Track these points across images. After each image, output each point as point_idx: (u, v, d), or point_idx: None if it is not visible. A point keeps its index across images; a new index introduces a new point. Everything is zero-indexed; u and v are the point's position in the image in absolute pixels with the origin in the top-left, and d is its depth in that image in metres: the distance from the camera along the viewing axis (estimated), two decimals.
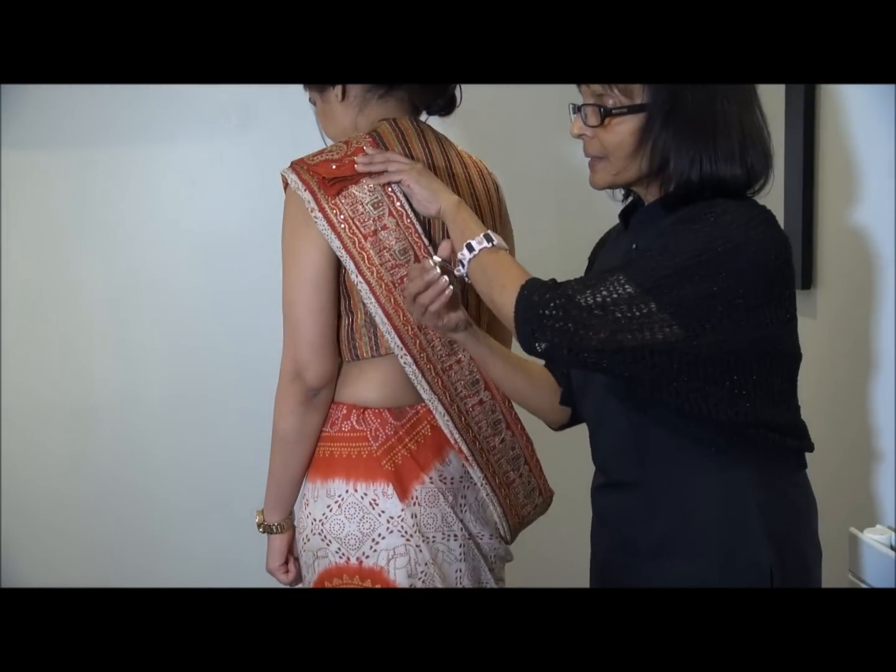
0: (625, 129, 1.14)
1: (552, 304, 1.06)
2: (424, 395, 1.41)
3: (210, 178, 2.13)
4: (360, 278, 1.38)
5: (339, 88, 1.45)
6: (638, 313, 1.04)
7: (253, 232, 2.03)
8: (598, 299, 1.05)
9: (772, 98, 1.31)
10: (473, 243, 1.21)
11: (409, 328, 1.40)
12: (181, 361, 2.16)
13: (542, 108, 1.78)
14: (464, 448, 1.43)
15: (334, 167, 1.39)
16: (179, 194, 2.13)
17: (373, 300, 1.38)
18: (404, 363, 1.40)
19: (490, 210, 1.51)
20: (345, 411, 1.44)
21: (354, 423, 1.43)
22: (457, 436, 1.42)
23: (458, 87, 1.51)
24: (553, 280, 1.10)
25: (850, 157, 1.53)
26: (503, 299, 1.13)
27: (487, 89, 1.54)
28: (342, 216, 1.37)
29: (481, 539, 1.46)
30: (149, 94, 2.00)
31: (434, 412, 1.42)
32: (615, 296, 1.05)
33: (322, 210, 1.37)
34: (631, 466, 1.20)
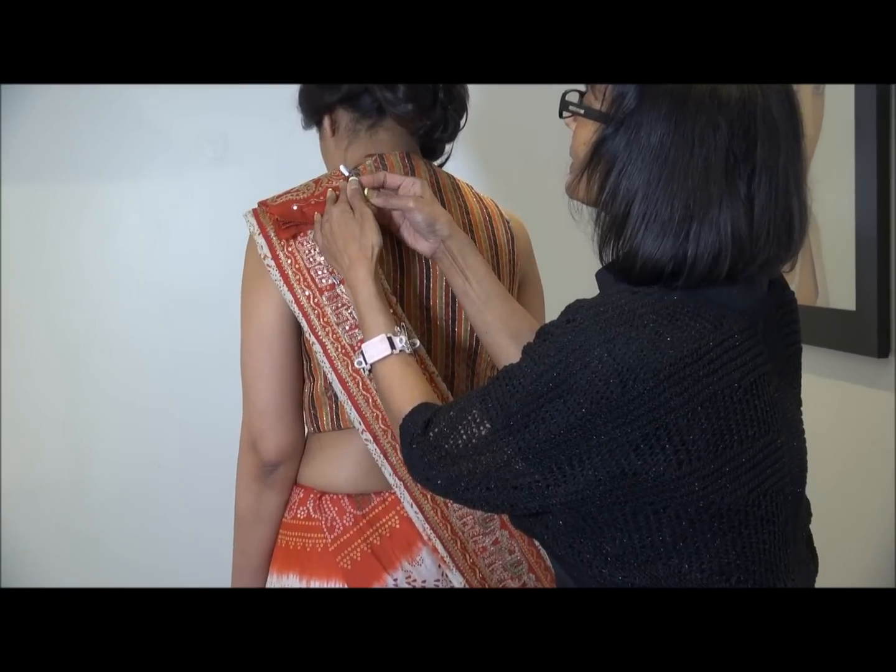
0: (583, 134, 1.20)
1: (423, 458, 1.21)
2: (389, 480, 1.46)
3: (179, 219, 2.23)
4: (313, 338, 1.45)
5: (328, 121, 1.56)
6: (500, 461, 1.14)
7: (227, 283, 1.95)
8: (460, 444, 1.17)
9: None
10: (366, 353, 1.35)
11: (371, 398, 1.45)
12: (142, 432, 2.26)
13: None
14: (439, 547, 1.46)
15: (295, 208, 1.48)
16: (143, 238, 2.24)
17: (327, 364, 1.45)
18: (365, 440, 1.45)
19: (506, 261, 1.59)
20: (301, 495, 1.52)
21: (311, 509, 1.51)
22: (429, 531, 1.46)
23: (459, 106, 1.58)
24: (430, 415, 1.22)
25: None
26: (396, 438, 1.30)
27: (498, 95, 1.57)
28: (296, 266, 1.46)
29: None
30: (109, 121, 2.12)
31: (402, 501, 1.46)
32: (474, 441, 1.16)
33: (276, 258, 1.46)
34: None
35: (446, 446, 1.18)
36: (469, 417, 1.16)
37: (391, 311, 1.41)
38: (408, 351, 1.36)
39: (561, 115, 1.23)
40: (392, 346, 1.35)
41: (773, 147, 1.12)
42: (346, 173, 1.50)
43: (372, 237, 1.41)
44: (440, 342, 1.54)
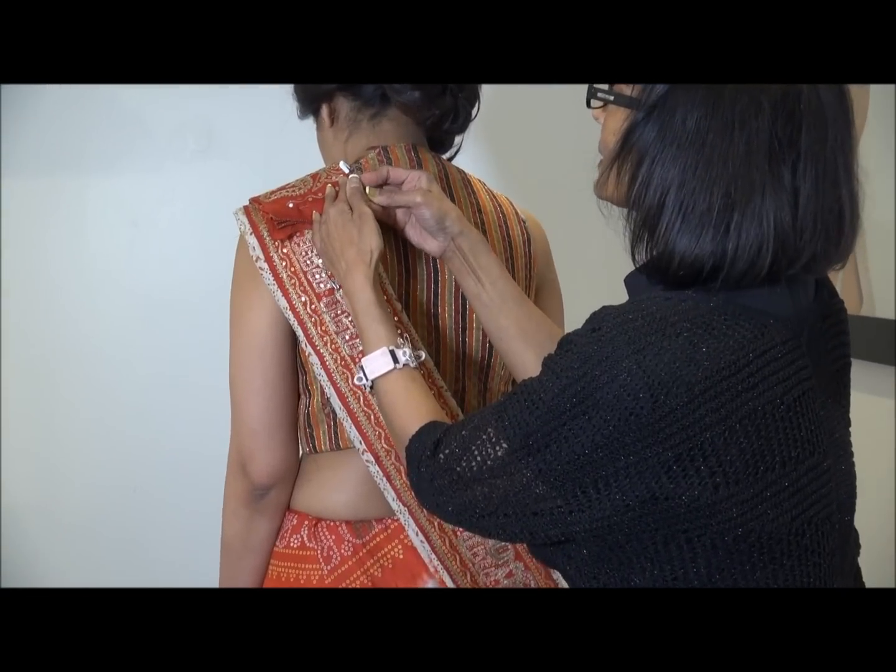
0: (613, 124, 1.18)
1: (433, 482, 1.19)
2: (393, 506, 1.43)
3: (159, 218, 2.19)
4: (310, 349, 1.42)
5: (326, 110, 1.53)
6: (518, 486, 1.11)
7: (214, 288, 1.95)
8: (474, 466, 1.14)
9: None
10: (367, 368, 1.33)
11: (373, 415, 1.42)
12: (117, 453, 2.21)
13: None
14: (447, 579, 1.44)
15: (291, 206, 1.45)
16: (119, 239, 2.19)
17: (325, 377, 1.42)
18: (366, 461, 1.43)
19: (522, 264, 1.57)
20: (295, 522, 1.49)
21: (305, 538, 1.48)
22: (436, 562, 1.44)
23: (473, 95, 1.55)
24: (440, 435, 1.20)
25: None
26: (402, 460, 1.29)
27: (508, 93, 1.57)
28: (292, 269, 1.43)
29: None
30: (81, 109, 2.08)
31: (406, 528, 1.44)
32: (489, 462, 1.13)
33: (269, 260, 1.43)
34: None
35: (458, 469, 1.16)
36: (484, 437, 1.14)
37: (395, 319, 1.39)
38: (412, 364, 1.33)
39: (589, 105, 1.22)
40: (395, 359, 1.32)
41: (819, 132, 1.10)
42: (347, 170, 1.47)
43: (371, 240, 1.38)
44: (449, 353, 1.52)
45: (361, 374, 1.34)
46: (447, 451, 1.17)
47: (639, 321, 1.08)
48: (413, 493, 1.24)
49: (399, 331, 1.36)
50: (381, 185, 1.46)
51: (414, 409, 1.29)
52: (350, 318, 1.43)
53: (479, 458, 1.14)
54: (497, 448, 1.12)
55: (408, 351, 1.33)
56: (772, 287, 1.12)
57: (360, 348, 1.40)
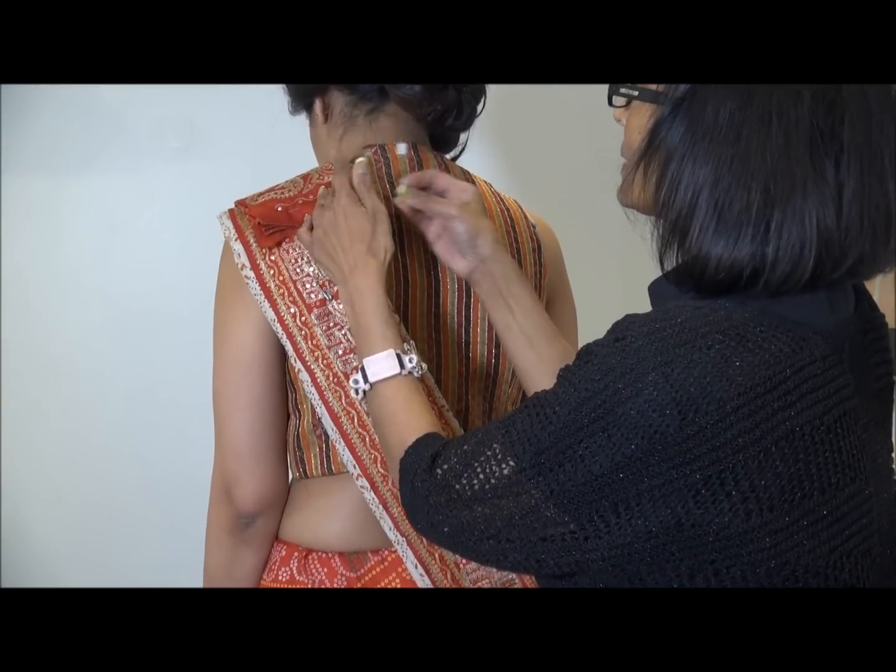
0: (638, 121, 1.17)
1: (427, 498, 1.16)
2: (390, 536, 1.41)
3: (137, 221, 2.16)
4: (300, 364, 1.40)
5: (320, 105, 1.52)
6: (525, 508, 1.08)
7: (196, 298, 1.93)
8: (475, 484, 1.12)
9: None
10: (369, 369, 1.31)
11: (368, 437, 1.40)
12: (93, 474, 2.19)
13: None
14: None
15: (279, 209, 1.43)
16: (95, 244, 2.16)
17: (316, 396, 1.40)
18: (361, 488, 1.41)
19: (531, 274, 1.56)
20: (284, 553, 1.47)
21: (294, 570, 1.45)
22: None
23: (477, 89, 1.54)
24: (439, 448, 1.18)
25: None
26: (393, 473, 1.26)
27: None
28: (280, 277, 1.41)
29: None
30: (53, 103, 2.05)
31: (404, 561, 1.42)
32: (493, 481, 1.10)
33: (255, 268, 1.41)
34: None
35: (457, 486, 1.14)
36: (489, 453, 1.12)
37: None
38: (416, 374, 1.32)
39: (610, 103, 1.21)
40: (401, 364, 1.30)
41: (863, 123, 1.07)
42: (403, 151, 1.49)
43: (386, 240, 1.37)
44: (451, 370, 1.50)
45: (360, 377, 1.31)
46: (446, 467, 1.15)
47: (667, 331, 1.06)
48: (404, 511, 1.22)
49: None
50: (422, 188, 1.45)
51: (414, 420, 1.26)
52: (343, 332, 1.41)
53: (481, 476, 1.12)
54: (503, 465, 1.10)
55: (414, 358, 1.31)
56: (811, 295, 1.10)
57: (355, 363, 1.39)
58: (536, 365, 1.41)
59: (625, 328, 1.08)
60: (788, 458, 1.04)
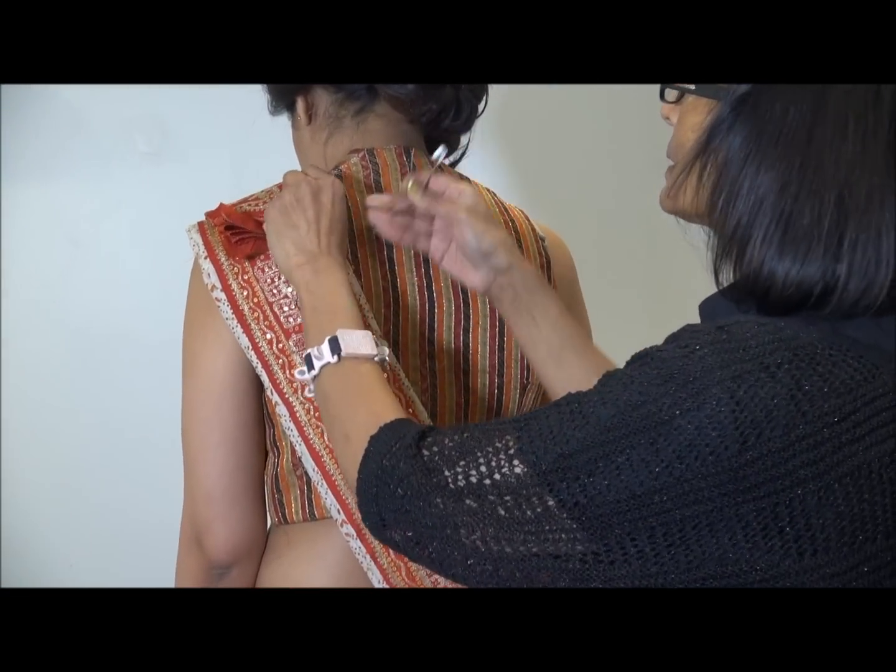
0: (692, 120, 1.18)
1: (403, 480, 1.08)
2: (378, 587, 1.40)
3: (102, 234, 2.14)
4: (277, 397, 1.38)
5: (302, 104, 1.51)
6: (530, 513, 1.03)
7: (164, 320, 1.92)
8: (472, 476, 1.06)
9: None
10: (343, 340, 1.26)
11: None
12: (51, 519, 2.17)
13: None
14: None
15: (243, 209, 1.42)
16: (55, 259, 2.13)
17: (295, 432, 1.39)
18: (346, 535, 1.38)
19: None
20: None
21: None
22: None
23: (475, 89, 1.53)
24: (425, 429, 1.13)
25: None
26: (346, 458, 1.18)
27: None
28: (255, 299, 1.40)
29: None
30: (8, 102, 2.02)
31: None
32: (497, 476, 1.04)
33: (227, 289, 1.39)
34: None
35: (448, 473, 1.08)
36: (498, 444, 1.07)
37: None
38: (386, 369, 1.31)
39: (662, 97, 1.23)
40: (376, 346, 1.28)
41: None
42: (441, 154, 1.44)
43: (341, 206, 1.39)
44: (448, 401, 1.49)
45: (325, 349, 1.25)
46: (436, 449, 1.10)
47: (733, 344, 1.04)
48: (356, 498, 1.14)
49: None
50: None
51: (391, 402, 1.21)
52: None
53: (483, 469, 1.07)
54: (514, 462, 1.06)
55: (386, 350, 1.29)
56: (883, 318, 1.08)
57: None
58: (567, 381, 1.36)
59: (689, 336, 1.06)
60: (852, 496, 1.01)
